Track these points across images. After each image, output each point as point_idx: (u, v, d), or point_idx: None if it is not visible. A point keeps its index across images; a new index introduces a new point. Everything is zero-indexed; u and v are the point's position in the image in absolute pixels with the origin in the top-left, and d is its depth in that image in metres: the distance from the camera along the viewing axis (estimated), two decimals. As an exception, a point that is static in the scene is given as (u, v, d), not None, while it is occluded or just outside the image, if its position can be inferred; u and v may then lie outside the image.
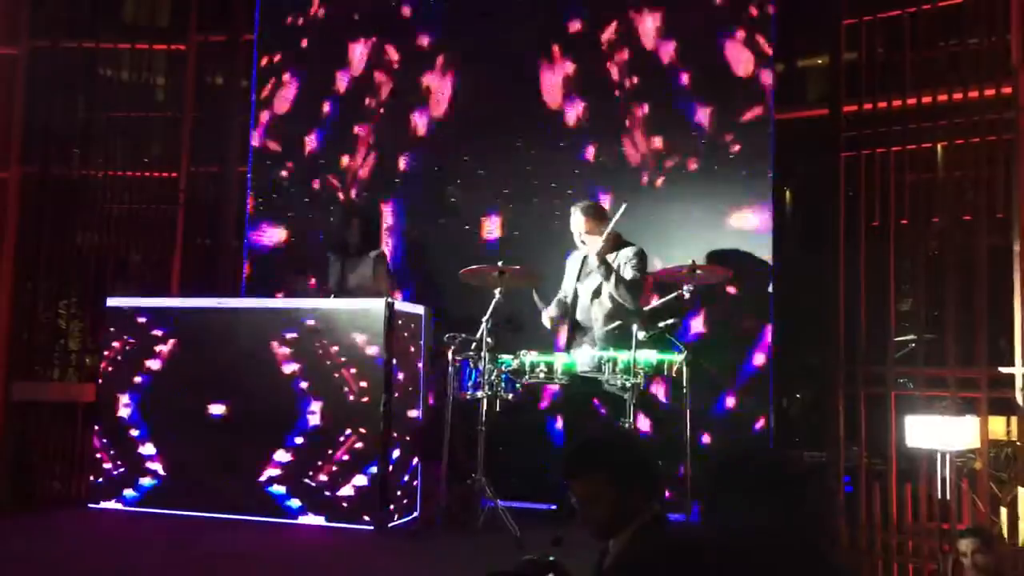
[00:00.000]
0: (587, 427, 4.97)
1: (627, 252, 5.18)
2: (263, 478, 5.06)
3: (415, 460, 5.29)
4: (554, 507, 5.17)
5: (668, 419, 5.13)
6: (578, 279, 5.33)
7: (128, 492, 5.32)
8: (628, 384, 4.53)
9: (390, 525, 4.96)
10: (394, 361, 5.01)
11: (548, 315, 5.24)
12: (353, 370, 5.00)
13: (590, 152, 5.95)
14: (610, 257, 5.16)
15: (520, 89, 6.10)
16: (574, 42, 6.05)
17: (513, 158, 6.08)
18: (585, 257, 5.29)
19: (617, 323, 4.94)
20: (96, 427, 5.49)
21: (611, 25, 5.99)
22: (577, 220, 5.22)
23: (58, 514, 5.60)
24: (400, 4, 6.44)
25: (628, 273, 5.10)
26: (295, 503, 5.01)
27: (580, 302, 5.28)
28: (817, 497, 2.31)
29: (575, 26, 6.06)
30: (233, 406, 5.16)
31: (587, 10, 6.04)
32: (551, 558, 2.24)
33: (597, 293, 5.15)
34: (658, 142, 5.80)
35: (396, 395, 5.05)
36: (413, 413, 5.31)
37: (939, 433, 5.28)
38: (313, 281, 6.11)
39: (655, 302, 4.97)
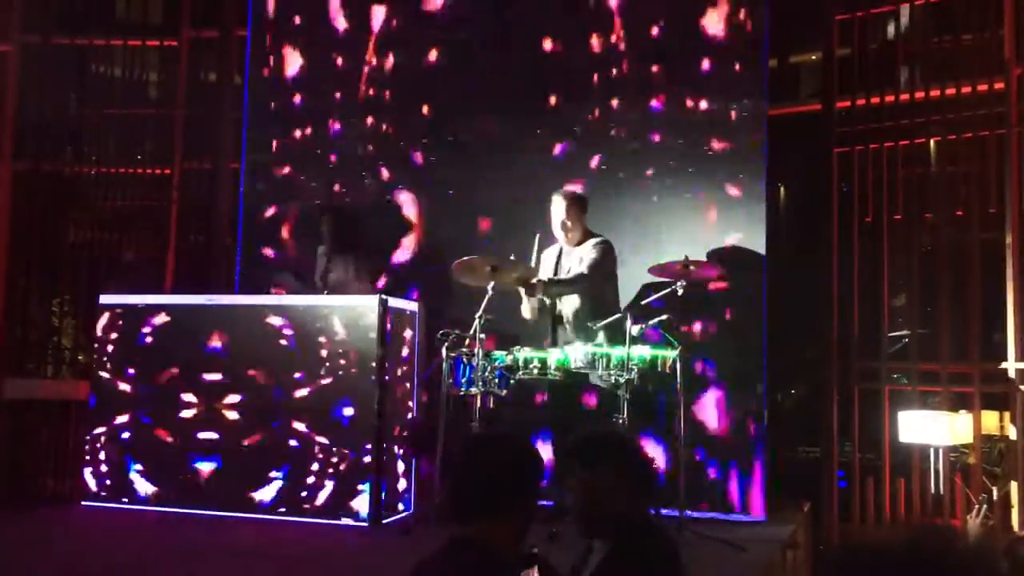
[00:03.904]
0: (589, 424, 4.92)
1: (589, 243, 5.10)
2: (256, 475, 5.05)
3: (409, 456, 5.29)
4: (551, 504, 5.16)
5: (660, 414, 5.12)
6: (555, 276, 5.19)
7: (121, 490, 5.30)
8: (621, 380, 4.52)
9: (384, 521, 4.96)
10: (388, 357, 5.01)
11: (530, 307, 5.09)
12: (346, 366, 4.99)
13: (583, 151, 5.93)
14: (579, 249, 5.12)
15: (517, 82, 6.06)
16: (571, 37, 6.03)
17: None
18: (561, 252, 5.23)
19: (607, 321, 4.84)
20: (89, 424, 5.47)
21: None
22: (559, 207, 5.16)
23: (51, 512, 5.59)
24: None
25: (583, 267, 5.01)
26: (289, 500, 5.00)
27: (563, 305, 5.13)
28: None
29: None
30: (226, 403, 5.15)
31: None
32: (534, 550, 2.21)
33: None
34: (652, 136, 5.77)
35: (390, 391, 5.04)
36: (407, 410, 5.31)
37: (932, 428, 5.30)
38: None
39: (648, 298, 4.96)
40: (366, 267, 5.75)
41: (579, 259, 5.07)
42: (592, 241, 5.10)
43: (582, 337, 4.85)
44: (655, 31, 5.81)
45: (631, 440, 2.61)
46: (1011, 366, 5.38)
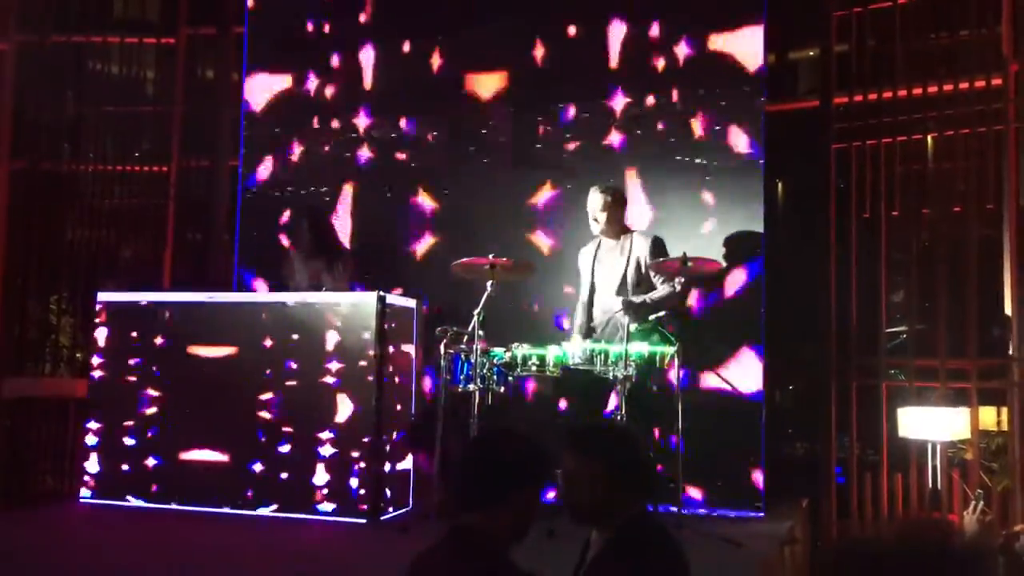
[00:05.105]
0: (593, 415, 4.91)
1: (642, 244, 5.05)
2: (255, 473, 5.06)
3: (408, 454, 5.30)
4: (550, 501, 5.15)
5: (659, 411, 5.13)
6: (593, 275, 5.17)
7: (120, 488, 5.31)
8: (620, 376, 4.53)
9: (383, 519, 4.97)
10: (385, 354, 5.02)
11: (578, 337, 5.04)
12: (344, 364, 5.00)
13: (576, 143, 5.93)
14: (623, 244, 5.09)
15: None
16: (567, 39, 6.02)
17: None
18: (598, 247, 5.22)
19: (655, 316, 4.81)
20: (88, 422, 5.48)
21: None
22: (595, 200, 5.10)
23: (50, 510, 5.59)
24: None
25: (661, 288, 4.94)
26: (287, 498, 5.00)
27: (599, 300, 5.13)
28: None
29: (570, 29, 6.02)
30: (224, 402, 5.15)
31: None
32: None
33: (623, 288, 5.02)
34: (649, 132, 5.77)
35: (388, 388, 5.05)
36: (405, 407, 5.32)
37: (930, 424, 5.31)
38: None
39: (645, 295, 4.95)
40: (349, 268, 5.68)
41: (630, 258, 5.01)
42: (646, 241, 5.05)
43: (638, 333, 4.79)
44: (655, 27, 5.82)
45: (627, 432, 2.63)
46: (1009, 361, 5.39)
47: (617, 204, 5.10)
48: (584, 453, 2.37)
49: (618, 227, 5.11)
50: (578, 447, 2.39)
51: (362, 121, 6.34)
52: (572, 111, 5.92)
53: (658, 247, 5.05)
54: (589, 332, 5.09)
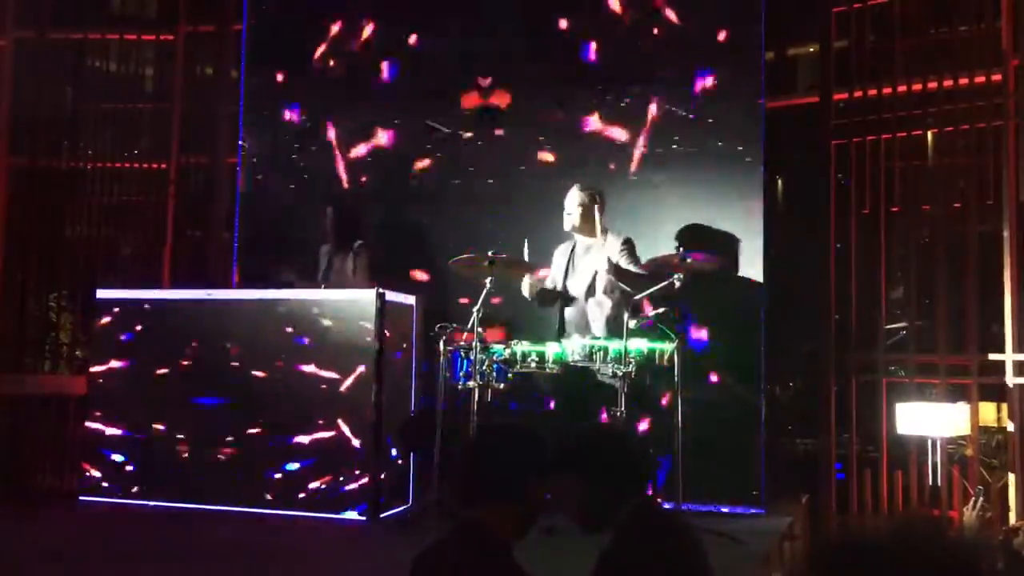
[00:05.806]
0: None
1: (614, 243, 5.12)
2: (255, 470, 5.06)
3: (407, 451, 5.29)
4: (547, 496, 5.14)
5: (657, 407, 5.13)
6: (566, 275, 5.19)
7: (119, 485, 5.31)
8: (620, 373, 4.53)
9: (382, 516, 4.97)
10: (385, 351, 5.01)
11: (527, 283, 5.03)
12: (344, 361, 4.99)
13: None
14: (596, 243, 5.10)
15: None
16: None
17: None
18: (573, 249, 5.22)
19: (655, 312, 4.82)
20: (87, 420, 5.48)
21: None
22: (574, 197, 5.10)
23: (49, 508, 5.59)
24: None
25: (633, 270, 4.98)
26: (287, 495, 5.00)
27: (572, 301, 5.15)
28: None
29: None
30: (224, 398, 5.15)
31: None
32: None
33: (591, 291, 5.06)
34: (648, 128, 5.76)
35: (388, 385, 5.04)
36: (405, 404, 5.31)
37: (930, 420, 5.31)
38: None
39: (645, 291, 4.94)
40: (369, 262, 5.65)
41: (602, 257, 5.02)
42: (618, 240, 5.07)
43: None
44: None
45: (606, 434, 2.61)
46: (1008, 358, 5.38)
47: (594, 205, 5.09)
48: (565, 474, 2.37)
49: (593, 227, 5.11)
50: (559, 470, 2.39)
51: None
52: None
53: (628, 247, 5.06)
54: (560, 331, 5.08)
